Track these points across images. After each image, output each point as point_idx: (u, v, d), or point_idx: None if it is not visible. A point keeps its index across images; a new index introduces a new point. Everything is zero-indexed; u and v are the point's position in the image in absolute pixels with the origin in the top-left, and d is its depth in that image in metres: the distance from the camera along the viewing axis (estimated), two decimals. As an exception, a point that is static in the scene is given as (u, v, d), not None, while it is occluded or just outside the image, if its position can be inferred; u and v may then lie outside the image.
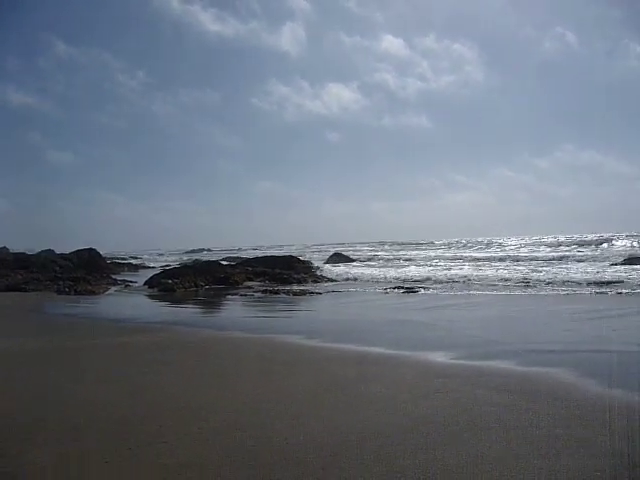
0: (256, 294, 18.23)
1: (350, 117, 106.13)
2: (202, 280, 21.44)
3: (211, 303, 17.11)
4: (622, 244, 40.58)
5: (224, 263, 28.44)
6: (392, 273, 24.03)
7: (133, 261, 47.58)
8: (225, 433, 4.58)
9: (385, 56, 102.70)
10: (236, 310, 15.22)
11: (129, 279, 25.09)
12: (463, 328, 10.28)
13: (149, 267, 38.36)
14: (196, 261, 31.12)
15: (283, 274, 23.16)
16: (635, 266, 22.91)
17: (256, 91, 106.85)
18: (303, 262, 27.87)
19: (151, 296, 18.91)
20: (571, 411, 4.99)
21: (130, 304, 17.16)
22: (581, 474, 3.63)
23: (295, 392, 5.91)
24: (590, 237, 48.37)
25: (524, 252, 38.67)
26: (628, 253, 31.84)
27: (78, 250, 30.50)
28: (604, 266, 24.04)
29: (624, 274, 18.76)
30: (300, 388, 6.09)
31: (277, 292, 18.30)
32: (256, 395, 5.79)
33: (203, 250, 75.85)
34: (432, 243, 60.82)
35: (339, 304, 15.67)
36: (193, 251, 74.97)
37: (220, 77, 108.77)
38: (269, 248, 72.12)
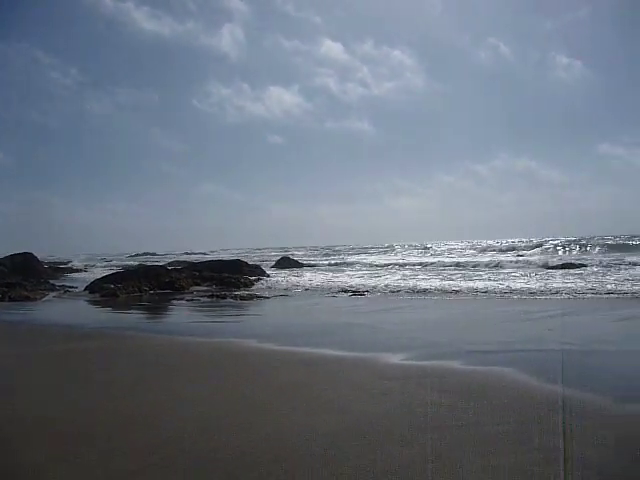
0: (203, 299, 17.95)
1: (293, 120, 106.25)
2: (146, 285, 20.91)
3: (156, 308, 16.71)
4: (556, 249, 42.54)
5: (170, 267, 27.86)
6: (338, 277, 24.23)
7: (73, 265, 45.85)
8: (172, 443, 4.49)
9: (325, 60, 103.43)
10: (183, 315, 14.93)
11: (69, 284, 24.15)
12: (408, 330, 10.50)
13: (90, 272, 37.07)
14: (140, 265, 30.31)
15: (231, 278, 22.90)
16: (569, 270, 24.07)
17: (196, 92, 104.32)
18: (251, 266, 27.68)
19: (92, 302, 18.28)
20: (509, 408, 5.18)
21: (69, 310, 16.52)
22: (518, 469, 3.78)
23: (243, 397, 5.86)
24: (525, 242, 50.44)
25: (465, 257, 39.87)
26: (561, 258, 33.43)
27: (12, 254, 29.10)
28: (539, 270, 25.10)
29: (558, 278, 19.65)
30: (248, 393, 6.05)
31: (224, 297, 18.08)
32: (204, 401, 5.72)
33: (148, 254, 73.99)
34: (381, 246, 61.73)
35: (287, 308, 15.66)
36: (137, 255, 73.02)
37: (158, 77, 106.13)
38: (216, 252, 71.18)
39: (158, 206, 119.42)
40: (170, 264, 34.48)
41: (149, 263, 35.92)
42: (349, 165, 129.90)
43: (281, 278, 25.37)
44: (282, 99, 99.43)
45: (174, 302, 17.53)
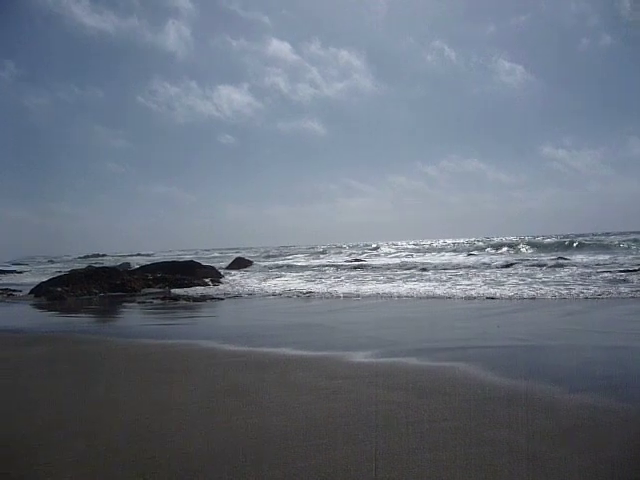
0: (155, 301, 17.60)
1: (244, 120, 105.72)
2: (96, 287, 20.34)
3: (107, 311, 16.28)
4: (503, 248, 43.95)
5: (120, 269, 27.19)
6: (292, 278, 24.27)
7: (17, 268, 44.08)
8: (114, 451, 4.34)
9: (274, 60, 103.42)
10: (134, 318, 14.60)
11: (12, 287, 23.22)
12: (363, 329, 10.61)
13: (36, 274, 35.75)
14: (89, 267, 29.45)
15: (184, 280, 22.56)
16: (516, 264, 24.88)
17: (142, 90, 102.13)
18: (205, 267, 27.33)
19: (38, 305, 17.62)
20: (459, 404, 5.30)
21: (12, 314, 15.89)
22: (465, 463, 3.86)
23: (191, 401, 5.75)
24: (473, 241, 51.90)
25: (414, 257, 40.67)
26: (505, 258, 34.54)
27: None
28: (490, 269, 25.82)
29: (503, 278, 20.31)
30: (197, 396, 5.94)
31: (177, 298, 17.79)
32: (149, 406, 5.58)
33: (99, 256, 71.96)
34: (335, 247, 62.07)
35: (242, 308, 15.55)
36: (87, 257, 70.92)
37: (101, 74, 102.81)
38: (169, 253, 69.92)
39: (106, 207, 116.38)
40: (121, 266, 33.66)
41: (100, 265, 34.87)
42: (302, 165, 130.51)
43: (236, 279, 25.19)
44: (232, 98, 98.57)
45: (126, 305, 17.12)
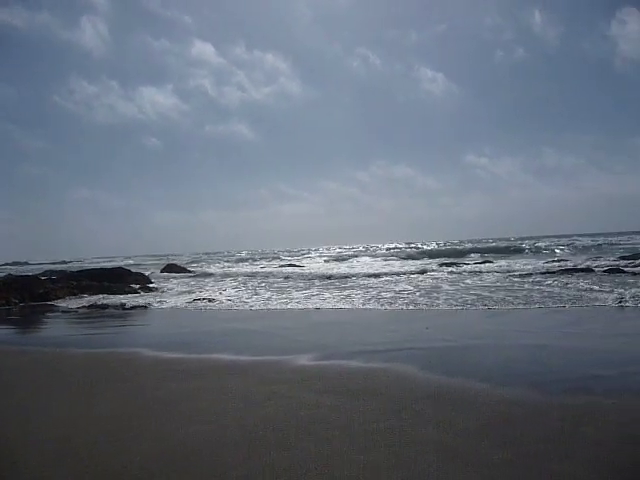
0: (81, 310, 16.88)
1: (170, 123, 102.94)
2: (16, 297, 19.25)
3: (29, 322, 15.43)
4: (430, 248, 45.50)
5: (43, 277, 25.87)
6: (223, 283, 24.00)
7: None
8: (32, 468, 4.14)
9: (198, 62, 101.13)
10: (59, 328, 13.92)
11: None
12: (296, 334, 10.68)
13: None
14: (8, 275, 27.80)
15: (112, 287, 21.74)
16: (446, 268, 25.79)
17: (58, 88, 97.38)
18: (134, 274, 26.48)
19: (-49, 317, 16.47)
20: (390, 405, 5.44)
21: None
22: (396, 463, 3.98)
23: (121, 412, 5.60)
24: (403, 246, 53.41)
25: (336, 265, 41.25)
26: (438, 258, 35.75)
27: None
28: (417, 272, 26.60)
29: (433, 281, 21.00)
30: (127, 406, 5.79)
31: (106, 307, 17.16)
32: (70, 420, 5.38)
33: (19, 264, 68.08)
34: (266, 252, 61.82)
35: (173, 316, 15.19)
36: (6, 265, 66.92)
37: (12, 71, 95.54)
38: (96, 260, 67.18)
39: (25, 211, 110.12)
40: (44, 274, 32.06)
41: (19, 273, 32.99)
42: (232, 170, 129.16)
43: (167, 285, 24.60)
44: (156, 100, 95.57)
45: (49, 314, 16.27)
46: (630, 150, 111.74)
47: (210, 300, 17.56)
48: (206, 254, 69.21)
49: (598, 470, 3.72)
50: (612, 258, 26.95)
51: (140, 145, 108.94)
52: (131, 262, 54.41)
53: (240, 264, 46.91)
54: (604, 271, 20.42)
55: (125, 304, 17.58)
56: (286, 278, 24.78)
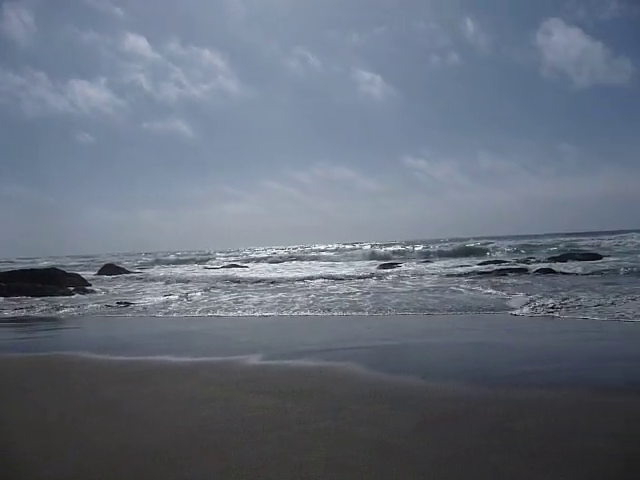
0: (10, 313, 16.03)
1: (104, 118, 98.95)
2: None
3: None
4: (371, 250, 46.40)
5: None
6: (161, 285, 23.52)
7: None
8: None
9: (132, 56, 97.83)
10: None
11: None
12: (238, 335, 10.57)
13: None
14: None
15: (45, 289, 20.78)
16: (386, 270, 26.26)
17: None
18: (69, 275, 25.41)
19: None
20: (330, 404, 5.43)
21: None
22: (332, 462, 3.96)
23: (53, 419, 5.34)
24: (345, 247, 54.12)
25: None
26: (380, 260, 36.43)
27: None
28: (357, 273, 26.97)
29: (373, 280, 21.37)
30: (59, 413, 5.53)
31: (37, 309, 16.40)
32: (2, 427, 5.11)
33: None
34: (202, 253, 60.95)
35: (110, 318, 14.65)
36: None
37: None
38: (27, 260, 64.02)
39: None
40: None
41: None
42: (172, 169, 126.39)
43: (105, 287, 23.80)
44: (88, 94, 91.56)
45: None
46: (557, 155, 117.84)
47: (135, 304, 17.12)
48: (143, 254, 67.26)
49: (534, 463, 3.85)
50: (544, 258, 28.26)
51: (72, 141, 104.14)
52: (65, 262, 52.18)
53: (181, 265, 46.05)
54: (536, 271, 21.40)
55: (59, 306, 16.85)
56: (226, 281, 24.11)
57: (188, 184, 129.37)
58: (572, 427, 4.59)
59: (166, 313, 14.32)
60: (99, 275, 32.49)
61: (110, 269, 34.83)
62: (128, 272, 34.87)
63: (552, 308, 11.28)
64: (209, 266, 41.78)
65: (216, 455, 4.20)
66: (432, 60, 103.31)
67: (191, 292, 19.80)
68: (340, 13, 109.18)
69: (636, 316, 9.78)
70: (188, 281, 23.34)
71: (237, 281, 22.94)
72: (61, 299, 19.19)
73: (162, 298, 18.24)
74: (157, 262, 51.67)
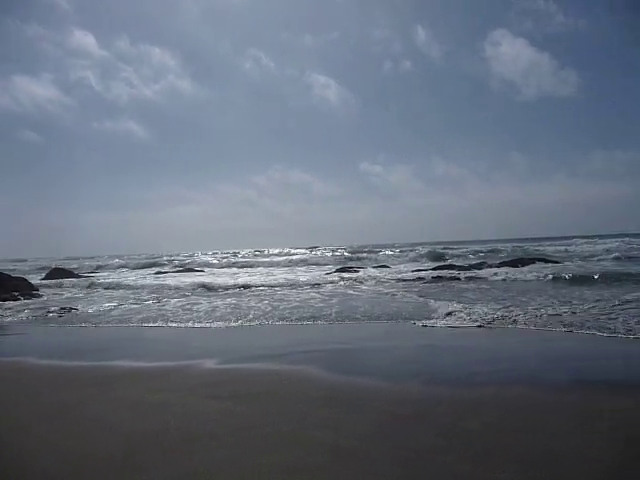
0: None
1: (50, 117, 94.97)
2: None
3: None
4: (329, 254, 46.63)
5: None
6: (113, 290, 22.91)
7: None
8: None
9: (79, 53, 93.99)
10: None
11: None
12: (191, 340, 10.43)
13: None
14: None
15: (-12, 294, 19.86)
16: (344, 274, 26.37)
17: None
18: (14, 279, 24.36)
19: None
20: (283, 407, 5.41)
21: None
22: (288, 467, 3.93)
23: (9, 426, 5.14)
24: (302, 251, 54.26)
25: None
26: (339, 262, 36.60)
27: None
28: (319, 276, 27.02)
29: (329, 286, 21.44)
30: (15, 419, 5.33)
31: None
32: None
33: None
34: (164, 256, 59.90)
35: (60, 323, 14.13)
36: None
37: None
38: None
39: None
40: None
41: None
42: (124, 170, 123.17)
43: (53, 292, 22.96)
44: (32, 91, 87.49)
45: None
46: (507, 163, 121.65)
47: (82, 310, 16.61)
48: (93, 258, 65.33)
49: (487, 461, 3.92)
50: (496, 263, 28.99)
51: (14, 139, 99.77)
52: (9, 266, 50.09)
53: (132, 270, 45.03)
54: (468, 278, 21.75)
55: (2, 312, 16.11)
56: (177, 289, 23.23)
57: (141, 186, 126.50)
58: (511, 426, 4.70)
59: (115, 319, 13.92)
60: (47, 279, 31.34)
61: (58, 273, 33.67)
62: (78, 276, 33.80)
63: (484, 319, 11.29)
64: (162, 270, 40.92)
65: (173, 460, 4.12)
66: (386, 66, 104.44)
67: (141, 298, 19.32)
68: (293, 15, 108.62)
69: (569, 324, 9.95)
70: (138, 288, 22.67)
71: (191, 286, 22.48)
72: (5, 304, 18.38)
73: (111, 304, 17.71)
74: (107, 266, 50.25)
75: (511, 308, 12.19)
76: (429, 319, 11.38)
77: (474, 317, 11.16)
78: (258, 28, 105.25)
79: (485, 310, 11.95)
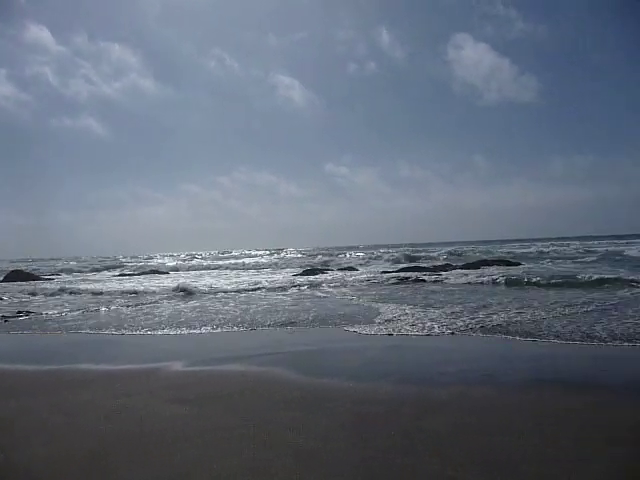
0: None
1: (6, 113, 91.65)
2: None
3: None
4: (295, 256, 46.65)
5: None
6: (76, 293, 22.44)
7: None
8: None
9: (35, 48, 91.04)
10: None
11: None
12: (156, 344, 10.31)
13: None
14: None
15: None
16: (310, 276, 26.46)
17: None
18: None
19: None
20: (248, 409, 5.42)
21: None
22: (253, 469, 3.95)
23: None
24: (268, 253, 54.11)
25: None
26: (305, 265, 36.63)
27: None
28: (286, 277, 27.02)
29: (296, 286, 21.44)
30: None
31: None
32: None
33: None
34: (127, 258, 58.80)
35: (18, 326, 13.75)
36: None
37: None
38: None
39: None
40: None
41: None
42: (83, 169, 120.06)
43: (11, 294, 22.29)
44: None
45: None
46: (470, 166, 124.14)
47: (40, 313, 16.22)
48: (53, 259, 63.56)
49: (449, 461, 4.00)
50: (460, 265, 29.55)
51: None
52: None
53: (94, 272, 44.10)
54: (433, 281, 22.36)
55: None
56: (137, 293, 22.77)
57: (102, 186, 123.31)
58: (467, 425, 4.82)
59: (76, 324, 13.62)
60: (5, 282, 30.42)
61: (19, 276, 32.71)
62: (38, 278, 32.91)
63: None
64: (127, 272, 40.21)
65: (140, 463, 4.10)
66: (350, 68, 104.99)
67: (103, 302, 18.95)
68: (258, 15, 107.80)
69: (511, 332, 10.19)
70: (101, 292, 22.15)
71: (153, 290, 22.12)
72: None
73: (72, 308, 17.32)
74: (68, 269, 48.99)
75: (465, 313, 12.48)
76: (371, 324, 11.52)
77: (418, 325, 11.10)
78: (222, 27, 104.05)
79: (435, 315, 12.17)
